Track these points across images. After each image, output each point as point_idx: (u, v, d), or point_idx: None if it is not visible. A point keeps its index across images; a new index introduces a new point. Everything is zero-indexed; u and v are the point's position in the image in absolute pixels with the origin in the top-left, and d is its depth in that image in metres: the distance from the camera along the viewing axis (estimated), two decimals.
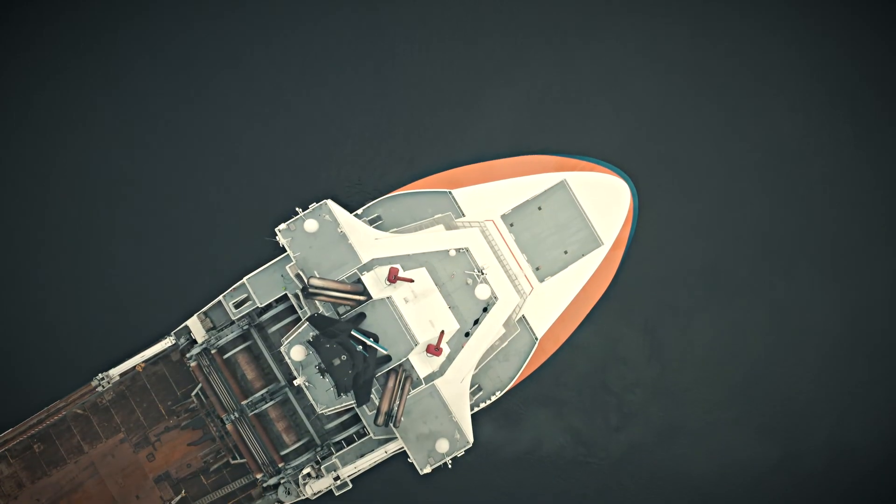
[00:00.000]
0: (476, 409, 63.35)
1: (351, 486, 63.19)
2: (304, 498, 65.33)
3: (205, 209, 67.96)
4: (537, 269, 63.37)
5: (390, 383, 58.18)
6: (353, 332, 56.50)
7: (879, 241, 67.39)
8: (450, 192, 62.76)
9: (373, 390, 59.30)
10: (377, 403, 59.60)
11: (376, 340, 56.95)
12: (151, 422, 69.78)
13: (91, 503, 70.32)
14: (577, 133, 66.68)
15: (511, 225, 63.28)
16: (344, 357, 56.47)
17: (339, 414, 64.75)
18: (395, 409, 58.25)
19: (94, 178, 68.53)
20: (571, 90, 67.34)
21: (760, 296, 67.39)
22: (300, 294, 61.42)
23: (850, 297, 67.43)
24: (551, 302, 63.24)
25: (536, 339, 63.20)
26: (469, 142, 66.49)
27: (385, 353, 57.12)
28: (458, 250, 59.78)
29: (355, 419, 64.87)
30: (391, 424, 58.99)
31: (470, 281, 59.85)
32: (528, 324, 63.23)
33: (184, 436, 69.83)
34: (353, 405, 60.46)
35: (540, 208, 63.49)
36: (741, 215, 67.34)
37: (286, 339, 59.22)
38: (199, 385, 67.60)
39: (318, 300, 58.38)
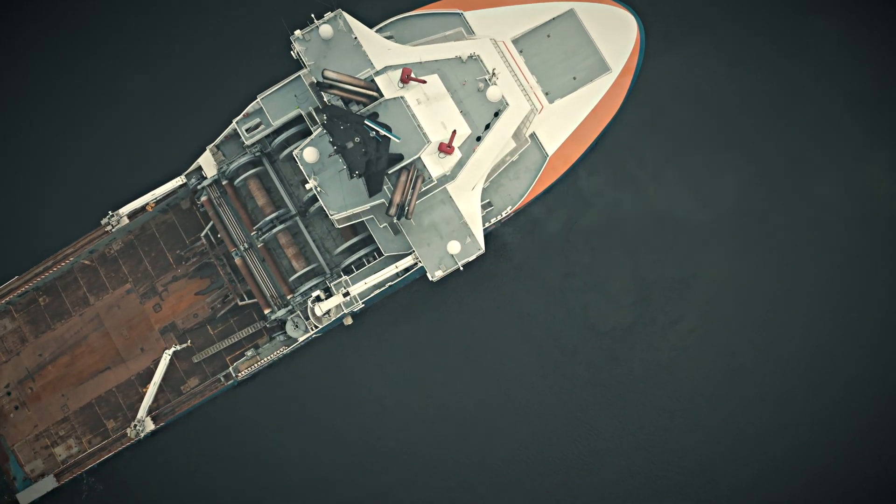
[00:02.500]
0: (487, 225, 63.00)
1: (361, 304, 62.00)
2: (312, 333, 64.08)
3: (215, 29, 68.42)
4: (547, 93, 64.08)
5: (403, 177, 58.07)
6: (366, 122, 56.77)
7: None
8: (461, 13, 64.02)
9: (385, 188, 59.08)
10: (387, 202, 59.26)
11: (389, 131, 57.13)
12: (159, 271, 69.02)
13: (94, 357, 68.87)
14: None
15: (521, 51, 64.32)
16: (357, 140, 56.59)
17: (347, 236, 64.38)
18: (407, 202, 57.89)
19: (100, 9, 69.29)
20: None
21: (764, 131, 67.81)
22: (314, 112, 61.97)
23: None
24: (562, 121, 63.72)
25: (547, 155, 63.37)
26: None
27: (397, 142, 57.26)
28: (469, 56, 60.53)
29: (364, 242, 64.41)
30: (402, 218, 58.55)
31: (482, 85, 60.38)
32: (539, 141, 63.50)
33: (191, 285, 69.00)
34: (365, 214, 60.34)
35: (549, 36, 64.67)
36: (748, 52, 68.06)
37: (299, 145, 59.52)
38: (210, 224, 67.35)
39: (331, 93, 58.82)
